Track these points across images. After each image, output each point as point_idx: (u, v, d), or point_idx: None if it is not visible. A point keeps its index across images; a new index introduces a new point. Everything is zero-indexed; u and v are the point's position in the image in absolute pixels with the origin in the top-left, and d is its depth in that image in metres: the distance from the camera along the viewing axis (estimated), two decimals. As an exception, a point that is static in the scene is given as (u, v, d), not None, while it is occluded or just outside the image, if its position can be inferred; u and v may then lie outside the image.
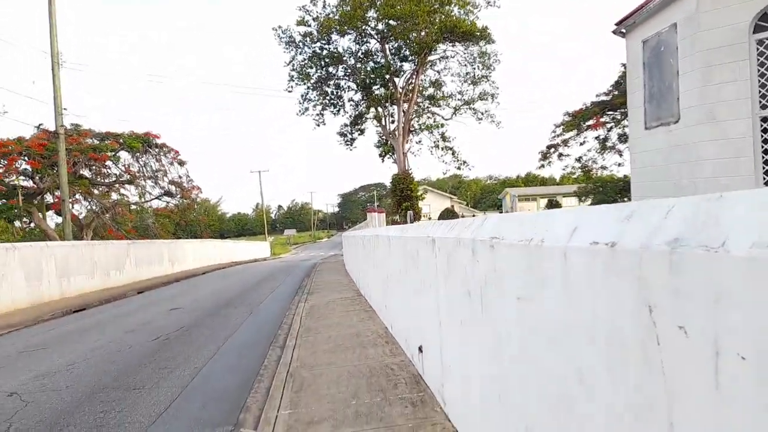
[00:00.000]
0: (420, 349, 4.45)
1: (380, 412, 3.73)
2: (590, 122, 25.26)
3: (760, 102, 7.23)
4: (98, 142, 27.54)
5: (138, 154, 29.29)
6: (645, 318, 1.24)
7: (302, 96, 29.04)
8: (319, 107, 29.16)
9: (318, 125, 29.61)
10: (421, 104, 29.13)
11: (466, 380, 3.00)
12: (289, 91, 28.74)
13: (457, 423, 3.32)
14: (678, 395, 1.14)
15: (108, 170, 29.07)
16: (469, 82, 28.27)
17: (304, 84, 28.26)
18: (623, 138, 25.97)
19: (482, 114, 28.86)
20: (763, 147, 7.25)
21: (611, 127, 25.68)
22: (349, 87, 28.79)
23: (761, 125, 7.26)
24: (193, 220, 41.22)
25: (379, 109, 27.45)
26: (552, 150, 26.61)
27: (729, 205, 1.08)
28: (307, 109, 29.33)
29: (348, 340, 6.30)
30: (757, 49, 7.21)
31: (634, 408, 1.30)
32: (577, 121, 25.37)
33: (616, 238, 1.38)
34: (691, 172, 7.93)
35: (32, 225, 27.79)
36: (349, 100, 29.51)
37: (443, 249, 3.36)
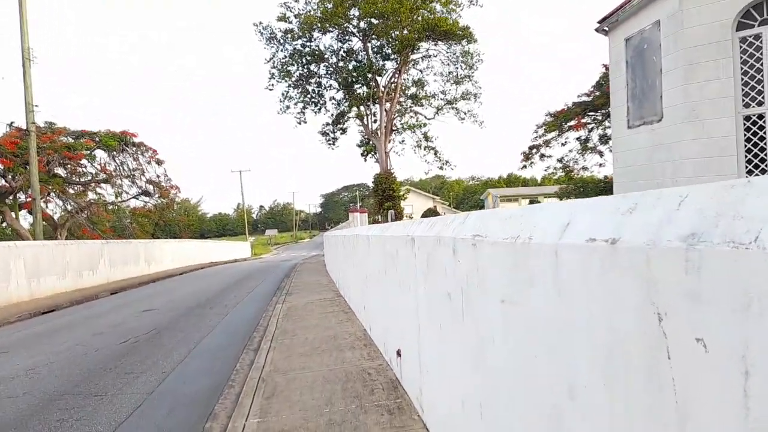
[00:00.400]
0: (398, 353, 4.24)
1: (355, 421, 3.52)
2: (572, 123, 25.34)
3: (743, 100, 7.18)
4: (73, 141, 26.81)
5: (114, 152, 28.64)
6: (653, 327, 1.04)
7: (283, 94, 28.66)
8: (301, 105, 28.80)
9: (299, 123, 29.25)
10: (403, 103, 28.92)
11: (445, 388, 2.80)
12: (270, 89, 28.34)
13: (436, 433, 3.11)
14: (695, 421, 0.95)
15: (84, 169, 28.37)
16: (452, 81, 28.16)
17: (285, 82, 27.88)
18: (604, 139, 26.12)
19: (465, 114, 28.78)
20: (746, 146, 7.20)
21: (592, 128, 25.80)
22: (330, 85, 28.49)
23: (744, 124, 7.21)
24: (172, 219, 40.57)
25: (362, 108, 27.15)
26: (534, 151, 26.62)
27: (757, 192, 0.89)
28: (288, 107, 28.94)
29: (325, 342, 6.06)
30: (740, 46, 7.16)
31: (639, 433, 1.11)
32: (558, 121, 25.42)
33: (617, 233, 1.19)
34: (675, 172, 7.86)
35: (4, 225, 27.00)
36: (330, 99, 29.20)
37: (423, 248, 3.16)
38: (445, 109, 28.78)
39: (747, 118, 7.21)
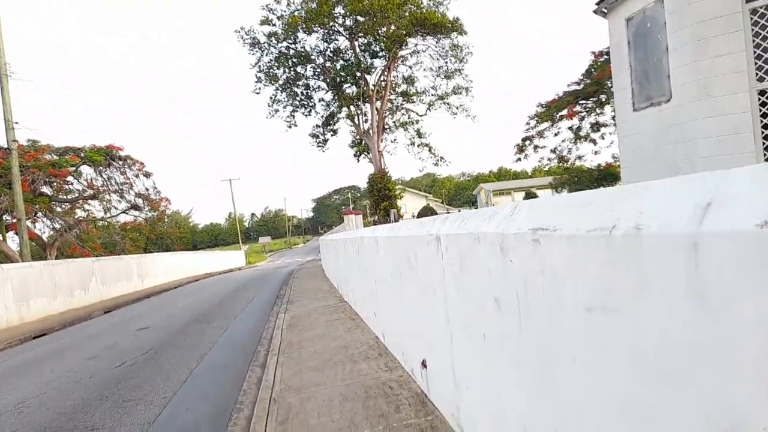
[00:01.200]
0: (423, 364, 3.85)
1: (384, 447, 3.12)
2: (563, 112, 25.09)
3: (757, 74, 6.86)
4: (57, 158, 26.20)
5: (101, 167, 28.08)
6: None
7: (271, 98, 28.12)
8: (290, 109, 28.29)
9: (289, 127, 28.76)
10: (394, 101, 28.49)
11: (495, 411, 2.41)
12: (257, 93, 27.82)
13: (482, 459, 2.72)
14: None
15: (70, 186, 27.79)
16: (442, 76, 27.77)
17: (272, 85, 27.35)
18: (596, 127, 25.92)
19: (457, 108, 28.41)
20: (762, 121, 6.89)
21: (584, 117, 25.57)
22: (319, 87, 28.00)
23: (759, 98, 6.89)
24: (164, 232, 39.82)
25: (352, 107, 26.67)
26: (527, 142, 26.34)
27: None
28: (276, 111, 28.43)
29: (336, 354, 5.66)
30: (751, 18, 6.84)
31: None
32: (550, 111, 25.17)
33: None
34: (688, 153, 7.53)
35: (-8, 248, 26.32)
36: (319, 100, 28.74)
37: (453, 248, 2.77)
38: (436, 105, 28.42)
39: (762, 92, 6.90)
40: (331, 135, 29.14)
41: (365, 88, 26.08)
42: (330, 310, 9.00)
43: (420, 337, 3.88)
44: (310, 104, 28.12)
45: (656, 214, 1.21)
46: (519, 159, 26.20)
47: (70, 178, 27.09)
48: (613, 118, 23.86)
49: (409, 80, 28.24)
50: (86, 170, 27.81)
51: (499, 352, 2.26)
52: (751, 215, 0.94)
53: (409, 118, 28.94)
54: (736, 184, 1.03)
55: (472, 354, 2.67)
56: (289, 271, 22.81)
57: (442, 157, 29.22)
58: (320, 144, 29.23)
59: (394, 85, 27.56)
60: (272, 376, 5.10)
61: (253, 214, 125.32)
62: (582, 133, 25.87)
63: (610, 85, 22.58)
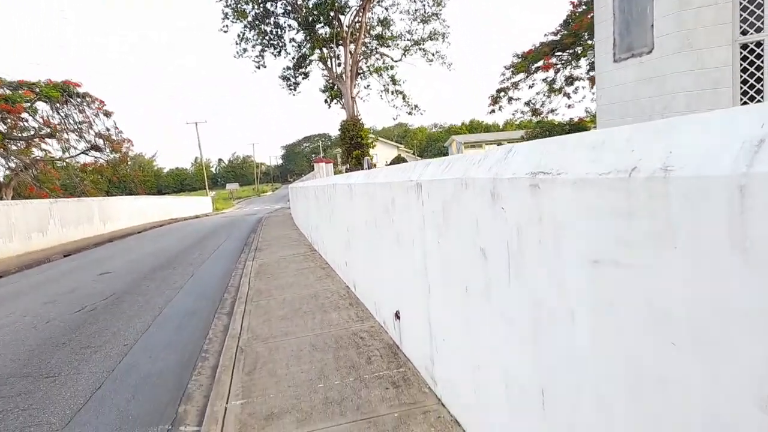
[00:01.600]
0: (397, 315, 3.74)
1: (356, 398, 3.03)
2: (539, 64, 24.75)
3: (741, 27, 6.72)
4: (10, 92, 24.64)
5: (57, 104, 26.63)
6: None
7: (239, 36, 26.69)
8: (259, 48, 26.92)
9: (258, 68, 27.50)
10: (368, 44, 27.44)
11: (473, 365, 2.30)
12: (224, 31, 26.35)
13: (458, 414, 2.65)
14: None
15: (25, 123, 26.35)
16: (419, 20, 26.75)
17: (240, 22, 25.89)
18: (570, 80, 25.77)
19: (433, 55, 27.60)
20: (741, 77, 6.81)
21: (559, 69, 25.32)
22: (290, 26, 26.58)
23: (740, 53, 6.79)
24: (127, 175, 38.56)
25: (324, 50, 25.58)
26: (502, 94, 26.00)
27: None
28: (245, 50, 27.04)
29: (306, 303, 5.53)
30: (741, -32, 6.63)
31: None
32: (526, 63, 24.78)
33: None
34: (666, 107, 7.45)
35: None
36: (290, 41, 27.53)
37: (435, 195, 2.59)
38: (412, 50, 27.53)
39: (744, 46, 6.78)
40: (303, 78, 28.04)
41: (339, 30, 24.95)
42: (299, 258, 8.84)
43: (394, 288, 3.75)
44: (281, 44, 26.81)
45: (691, 153, 1.03)
46: (493, 111, 25.93)
47: (24, 115, 25.67)
48: (588, 71, 23.72)
49: (385, 23, 27.07)
50: (42, 107, 26.37)
51: (483, 306, 2.12)
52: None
53: (384, 63, 28.03)
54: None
55: (451, 307, 2.54)
56: (258, 219, 22.45)
57: (416, 106, 28.65)
58: (291, 87, 28.15)
59: (369, 28, 26.44)
60: (239, 325, 4.94)
61: (220, 160, 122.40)
62: (556, 86, 25.69)
63: (587, 37, 22.29)
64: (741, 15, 6.77)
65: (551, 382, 1.62)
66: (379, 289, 4.37)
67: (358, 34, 25.16)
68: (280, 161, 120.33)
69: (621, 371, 1.26)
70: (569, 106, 24.78)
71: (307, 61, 27.20)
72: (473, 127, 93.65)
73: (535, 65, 24.96)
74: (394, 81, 28.15)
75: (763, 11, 6.65)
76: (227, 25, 26.20)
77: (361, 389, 3.13)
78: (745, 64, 6.85)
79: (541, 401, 1.70)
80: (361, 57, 26.56)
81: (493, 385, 2.10)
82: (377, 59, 28.01)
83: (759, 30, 6.71)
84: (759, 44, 6.77)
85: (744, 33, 6.79)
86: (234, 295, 6.63)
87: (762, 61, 6.77)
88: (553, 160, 1.55)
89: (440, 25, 27.18)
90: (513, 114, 27.35)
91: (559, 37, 23.80)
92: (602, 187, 1.27)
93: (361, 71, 26.94)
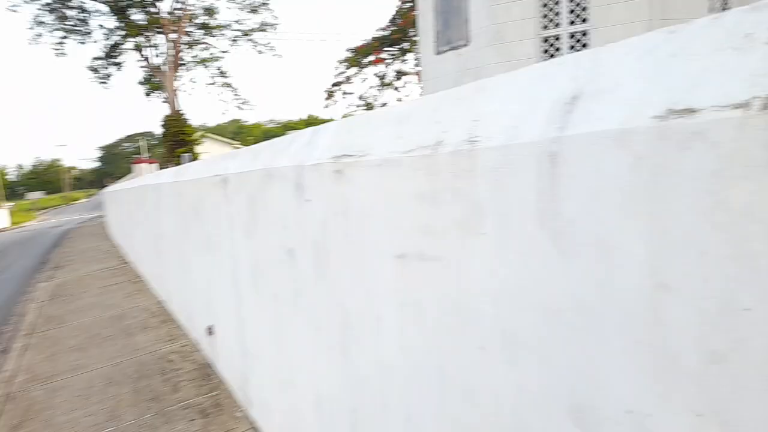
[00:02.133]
0: (209, 331, 3.29)
1: (153, 436, 2.53)
2: (371, 58, 25.49)
3: (542, 22, 7.55)
4: None
5: None
6: None
7: (34, 20, 22.86)
8: (59, 34, 23.31)
9: (58, 56, 23.84)
10: (192, 34, 25.48)
11: (287, 381, 2.01)
12: (14, 11, 22.34)
13: (273, 438, 2.33)
14: None
15: None
16: (248, 9, 25.61)
17: (35, 3, 22.18)
18: (399, 74, 26.96)
19: (263, 46, 26.66)
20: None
21: (389, 64, 26.36)
22: (97, 10, 23.47)
23: (542, 46, 7.62)
24: None
25: (140, 38, 23.06)
26: (336, 88, 26.26)
27: None
28: (40, 35, 23.21)
29: (108, 326, 4.71)
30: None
31: None
32: (359, 57, 25.34)
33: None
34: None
35: None
36: (100, 27, 24.32)
37: (242, 190, 2.25)
38: (240, 41, 26.28)
39: (545, 39, 7.63)
40: (116, 69, 24.99)
41: (156, 16, 22.74)
42: (108, 273, 7.69)
43: (207, 299, 3.30)
44: (86, 30, 23.54)
45: (499, 120, 0.87)
46: (328, 105, 26.08)
47: None
48: (416, 66, 25.12)
49: (210, 11, 25.42)
50: None
51: (292, 314, 1.84)
52: (643, 104, 0.63)
53: (210, 54, 26.31)
54: (613, 67, 0.72)
55: (262, 317, 2.23)
56: (64, 231, 19.49)
57: (245, 100, 27.43)
58: (102, 80, 24.96)
59: (191, 16, 24.56)
60: (14, 365, 3.99)
61: (20, 166, 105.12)
62: (387, 80, 26.72)
63: (413, 34, 23.57)
64: (542, 12, 7.61)
65: (362, 399, 1.40)
66: (191, 300, 3.85)
67: (179, 21, 23.21)
68: (98, 164, 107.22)
69: (432, 382, 1.07)
70: (399, 100, 25.92)
71: (119, 51, 24.33)
72: (310, 122, 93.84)
73: (367, 60, 25.62)
74: (222, 73, 26.67)
75: (560, 8, 7.54)
76: (16, 5, 22.25)
77: (160, 426, 2.63)
78: (546, 57, 7.71)
79: (352, 422, 1.47)
80: (184, 47, 24.60)
81: (305, 405, 1.84)
82: (203, 49, 26.22)
83: (557, 25, 7.60)
84: (557, 38, 7.67)
85: (545, 27, 7.63)
86: (15, 327, 5.44)
87: (560, 54, 7.68)
88: (359, 140, 1.33)
89: (270, 16, 26.40)
90: (347, 108, 27.74)
91: (389, 32, 24.72)
92: (406, 167, 1.07)
93: (184, 62, 24.94)
